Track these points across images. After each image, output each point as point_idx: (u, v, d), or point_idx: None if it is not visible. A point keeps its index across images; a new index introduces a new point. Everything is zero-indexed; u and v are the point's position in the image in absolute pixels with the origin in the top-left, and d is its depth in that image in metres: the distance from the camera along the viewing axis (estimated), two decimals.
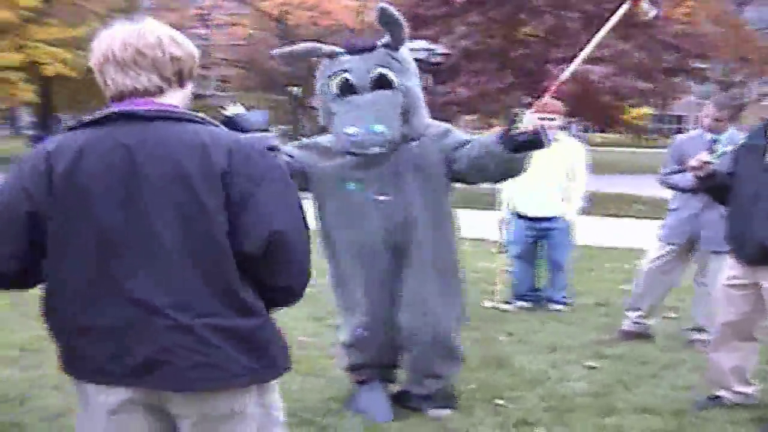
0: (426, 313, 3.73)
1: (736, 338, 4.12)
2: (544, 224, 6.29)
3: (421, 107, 3.73)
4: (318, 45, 3.80)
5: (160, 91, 1.93)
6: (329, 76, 3.66)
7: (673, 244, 5.39)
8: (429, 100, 3.86)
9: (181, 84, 1.98)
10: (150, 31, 1.92)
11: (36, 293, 2.01)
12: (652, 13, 3.99)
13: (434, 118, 3.86)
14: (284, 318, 2.21)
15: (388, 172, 3.62)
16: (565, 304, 6.43)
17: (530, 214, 6.30)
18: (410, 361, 3.90)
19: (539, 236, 6.37)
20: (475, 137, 3.76)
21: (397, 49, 3.60)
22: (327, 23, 29.13)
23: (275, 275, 1.94)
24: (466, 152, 3.61)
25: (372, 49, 3.61)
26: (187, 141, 1.85)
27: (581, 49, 3.76)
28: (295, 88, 28.67)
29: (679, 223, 5.33)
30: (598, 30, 3.70)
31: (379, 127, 3.48)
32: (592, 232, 11.40)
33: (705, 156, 4.07)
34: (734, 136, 5.00)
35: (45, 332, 2.01)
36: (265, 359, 1.95)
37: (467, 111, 23.47)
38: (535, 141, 3.42)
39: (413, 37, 18.39)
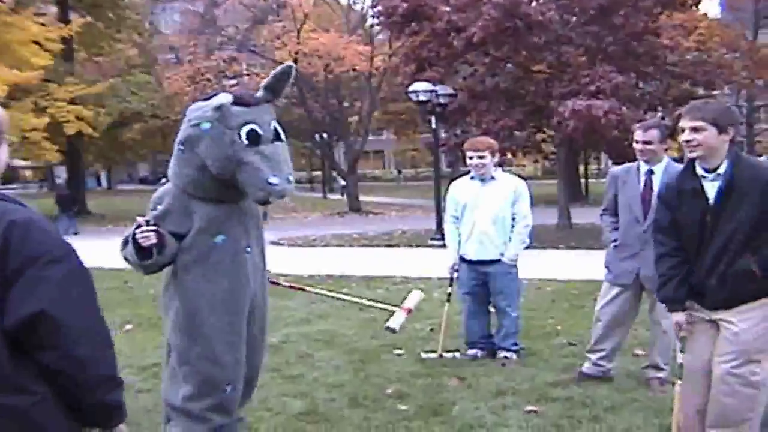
0: None
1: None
2: (486, 268, 6.02)
3: None
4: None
5: None
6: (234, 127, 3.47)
7: (621, 285, 5.21)
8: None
9: None
10: None
11: None
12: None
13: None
14: None
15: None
16: (515, 351, 6.06)
17: (469, 258, 6.07)
18: None
19: (484, 280, 6.07)
20: None
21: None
22: (341, 69, 29.38)
23: (42, 356, 1.84)
24: None
25: (266, 102, 3.62)
26: None
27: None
28: None
29: (622, 263, 5.18)
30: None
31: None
32: (586, 265, 11.12)
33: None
34: (670, 168, 4.86)
35: None
36: None
37: None
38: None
39: (417, 80, 18.50)
